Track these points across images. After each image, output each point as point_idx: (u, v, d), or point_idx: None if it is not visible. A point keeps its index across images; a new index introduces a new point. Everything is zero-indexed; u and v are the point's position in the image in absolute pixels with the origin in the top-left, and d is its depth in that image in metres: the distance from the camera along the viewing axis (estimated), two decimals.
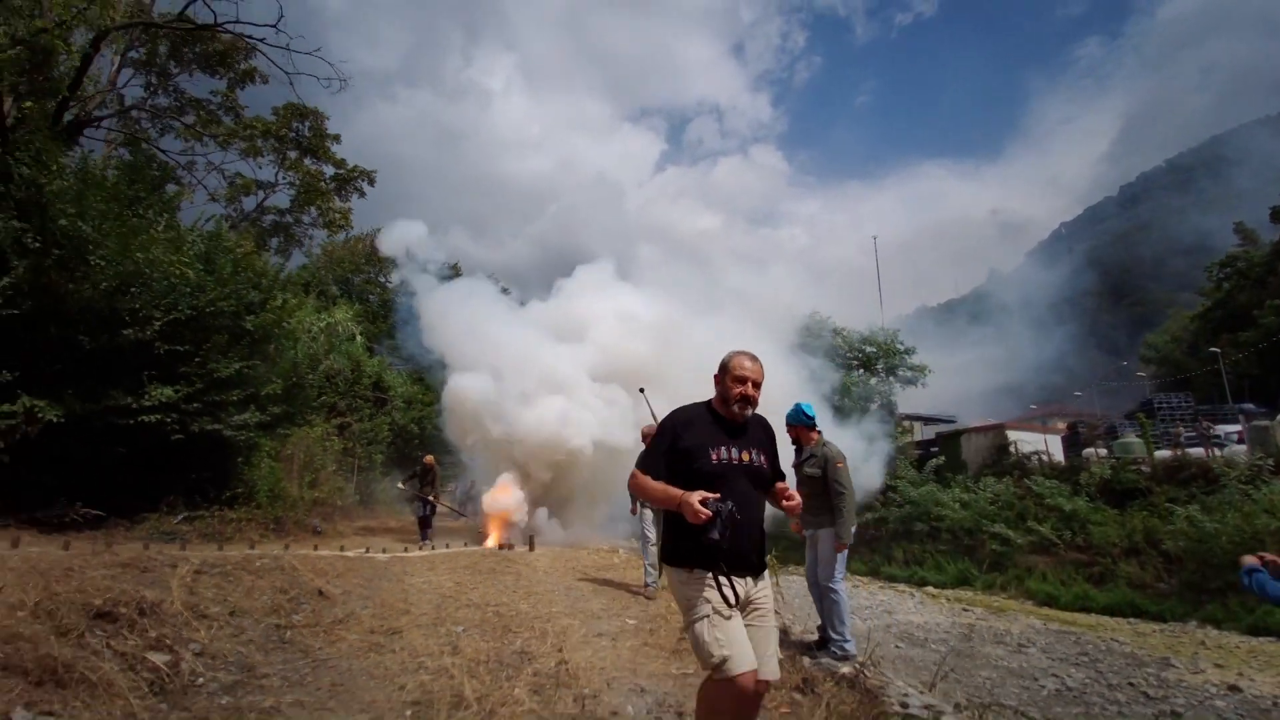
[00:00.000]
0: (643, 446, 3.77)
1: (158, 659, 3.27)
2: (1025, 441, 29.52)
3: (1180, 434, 24.42)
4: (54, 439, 7.96)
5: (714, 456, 2.34)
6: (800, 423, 5.02)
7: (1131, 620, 11.17)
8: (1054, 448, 29.98)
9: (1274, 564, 3.34)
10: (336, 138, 13.44)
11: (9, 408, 7.22)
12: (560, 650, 4.37)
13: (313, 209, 13.55)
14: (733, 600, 2.17)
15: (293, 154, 13.24)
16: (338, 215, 13.48)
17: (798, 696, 3.59)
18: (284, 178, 13.55)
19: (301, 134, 13.26)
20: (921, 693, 3.87)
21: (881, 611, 10.63)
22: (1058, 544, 19.86)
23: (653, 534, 6.72)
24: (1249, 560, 3.59)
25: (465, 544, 11.81)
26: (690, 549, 2.23)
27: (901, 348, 29.29)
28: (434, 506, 12.27)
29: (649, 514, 6.83)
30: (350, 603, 5.71)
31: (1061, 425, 36.45)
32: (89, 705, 2.75)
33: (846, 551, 4.71)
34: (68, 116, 9.08)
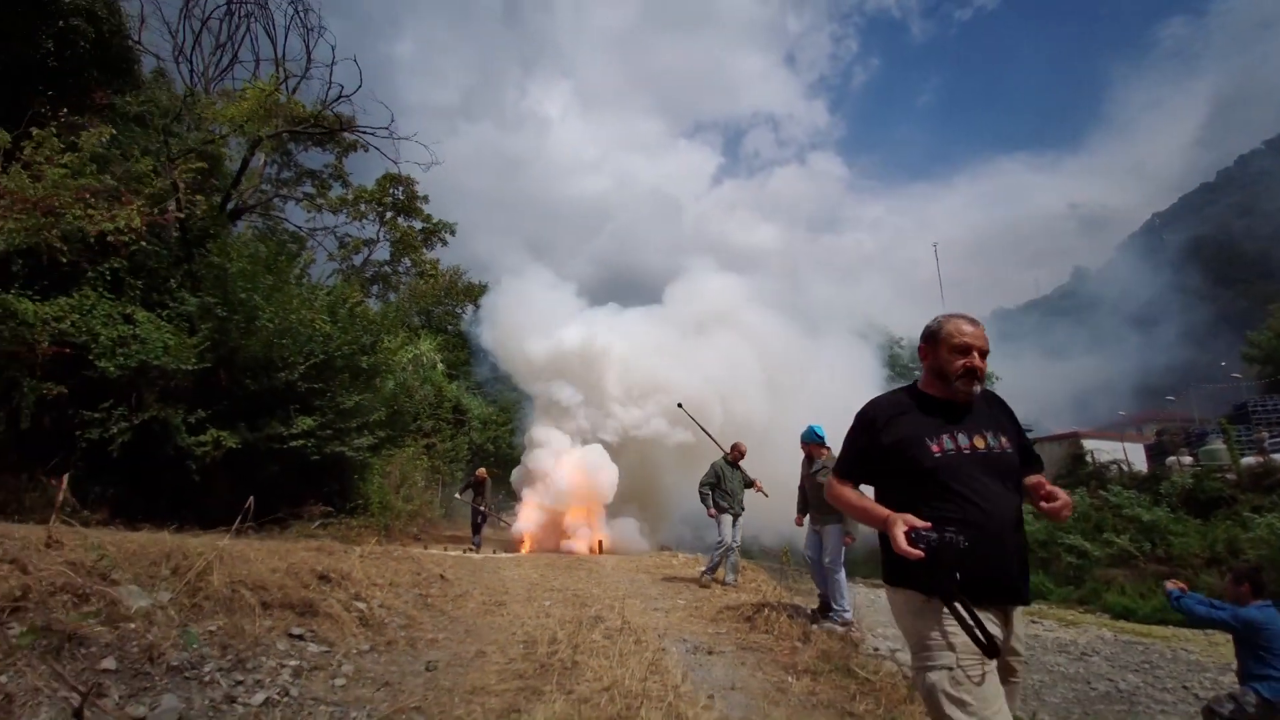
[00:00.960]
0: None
1: (359, 605, 4.97)
2: (1103, 450, 28.59)
3: (1265, 439, 23.23)
4: (231, 462, 10.22)
5: (934, 448, 1.85)
6: (812, 440, 6.18)
7: (1208, 631, 11.27)
8: (1136, 456, 28.83)
9: (1187, 587, 4.44)
10: (425, 199, 15.90)
11: (202, 439, 9.46)
12: (623, 616, 5.81)
13: (406, 260, 15.91)
14: (986, 644, 1.64)
15: (389, 214, 15.72)
16: (428, 266, 15.72)
17: (799, 645, 4.88)
18: (383, 234, 16.06)
19: (397, 197, 15.74)
20: (895, 649, 5.07)
21: None
22: (1137, 556, 19.49)
23: (728, 536, 7.51)
24: (1172, 585, 4.56)
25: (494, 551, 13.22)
26: (919, 565, 1.67)
27: None
28: (485, 515, 13.36)
29: (727, 519, 7.57)
30: (464, 584, 7.42)
31: (1149, 433, 34.70)
32: (329, 629, 4.42)
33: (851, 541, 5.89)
34: (230, 205, 11.52)
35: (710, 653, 4.77)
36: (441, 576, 7.35)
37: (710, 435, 10.11)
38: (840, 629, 5.28)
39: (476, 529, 13.10)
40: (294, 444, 10.90)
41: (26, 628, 2.61)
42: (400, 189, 15.54)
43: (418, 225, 16.27)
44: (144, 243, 8.39)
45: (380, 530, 13.02)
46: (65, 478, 4.84)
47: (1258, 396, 32.66)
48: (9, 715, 2.29)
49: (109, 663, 2.88)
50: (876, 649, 4.68)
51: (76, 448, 8.12)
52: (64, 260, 7.69)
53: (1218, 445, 23.18)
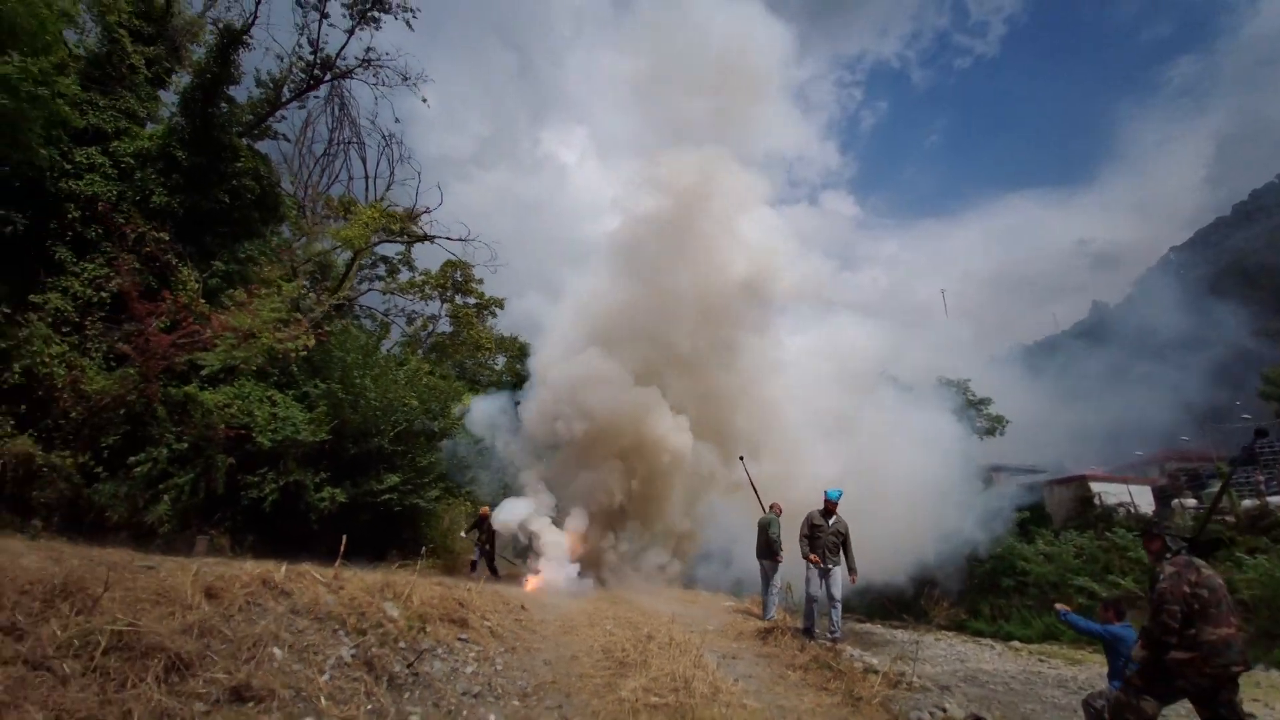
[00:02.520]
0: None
1: (486, 623, 7.11)
2: (1110, 493, 29.54)
3: (1260, 482, 24.39)
4: (337, 513, 12.53)
5: None
6: (835, 500, 8.04)
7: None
8: (1144, 498, 29.77)
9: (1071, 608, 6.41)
10: (480, 280, 18.64)
11: (322, 495, 11.79)
12: (670, 636, 7.84)
13: (464, 333, 18.47)
14: None
15: (450, 293, 18.41)
16: (484, 339, 18.21)
17: (797, 653, 6.89)
18: (444, 310, 18.71)
19: (455, 279, 18.44)
20: (863, 653, 7.06)
21: (955, 660, 10.79)
22: (1141, 596, 20.81)
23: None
24: (1059, 606, 6.52)
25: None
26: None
27: (974, 398, 30.03)
28: (490, 554, 13.47)
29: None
30: (540, 613, 9.50)
31: (1170, 472, 35.34)
32: (476, 637, 6.54)
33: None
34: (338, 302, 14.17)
35: (734, 658, 6.82)
36: (522, 606, 9.44)
37: (756, 492, 11.15)
38: (828, 643, 7.27)
39: (474, 566, 13.31)
40: (383, 497, 13.25)
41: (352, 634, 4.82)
42: (458, 272, 18.26)
43: (472, 301, 18.97)
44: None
45: (445, 569, 15.21)
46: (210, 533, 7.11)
47: (1263, 439, 33.54)
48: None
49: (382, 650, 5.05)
50: (851, 655, 6.63)
51: (239, 505, 10.50)
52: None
53: (1217, 488, 24.33)
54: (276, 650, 3.75)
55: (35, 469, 8.44)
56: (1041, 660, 16.34)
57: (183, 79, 12.07)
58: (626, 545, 14.72)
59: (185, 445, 9.32)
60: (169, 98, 12.16)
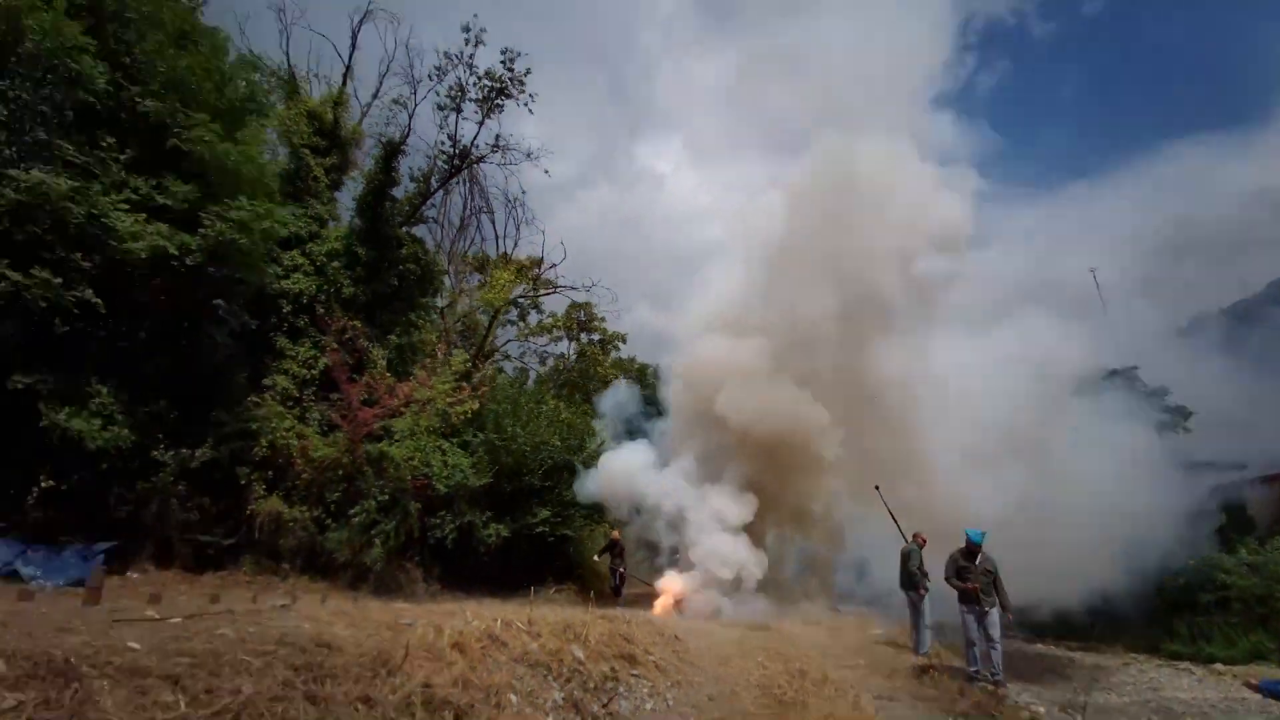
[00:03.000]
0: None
1: (650, 657, 7.90)
2: None
3: None
4: (502, 546, 14.10)
5: None
6: (976, 542, 7.97)
7: None
8: None
9: None
10: (603, 319, 20.08)
11: (489, 531, 13.38)
12: (824, 674, 8.19)
13: (591, 369, 19.90)
14: None
15: (576, 332, 19.97)
16: (612, 374, 19.48)
17: (958, 697, 6.99)
18: (571, 348, 20.27)
19: (580, 319, 19.96)
20: (1032, 702, 6.99)
21: (1145, 688, 9.73)
22: None
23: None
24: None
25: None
26: None
27: (1148, 388, 26.47)
28: (623, 575, 13.33)
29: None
30: (693, 644, 10.18)
31: None
32: (644, 672, 7.34)
33: None
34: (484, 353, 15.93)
35: (891, 699, 7.07)
36: (676, 637, 10.19)
37: (896, 521, 11.01)
38: (990, 686, 7.29)
39: (616, 590, 13.21)
40: (538, 529, 14.64)
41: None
42: (582, 312, 19.75)
43: (597, 338, 20.40)
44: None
45: (589, 594, 16.40)
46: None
47: None
48: None
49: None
50: (1017, 701, 6.61)
51: (427, 543, 12.23)
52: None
53: None
54: (512, 696, 4.71)
55: (282, 522, 10.49)
56: (1249, 685, 14.47)
57: (351, 178, 14.36)
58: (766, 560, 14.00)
59: (386, 496, 11.09)
60: (342, 197, 14.48)
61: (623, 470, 14.44)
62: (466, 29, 12.81)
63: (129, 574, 9.15)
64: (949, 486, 13.09)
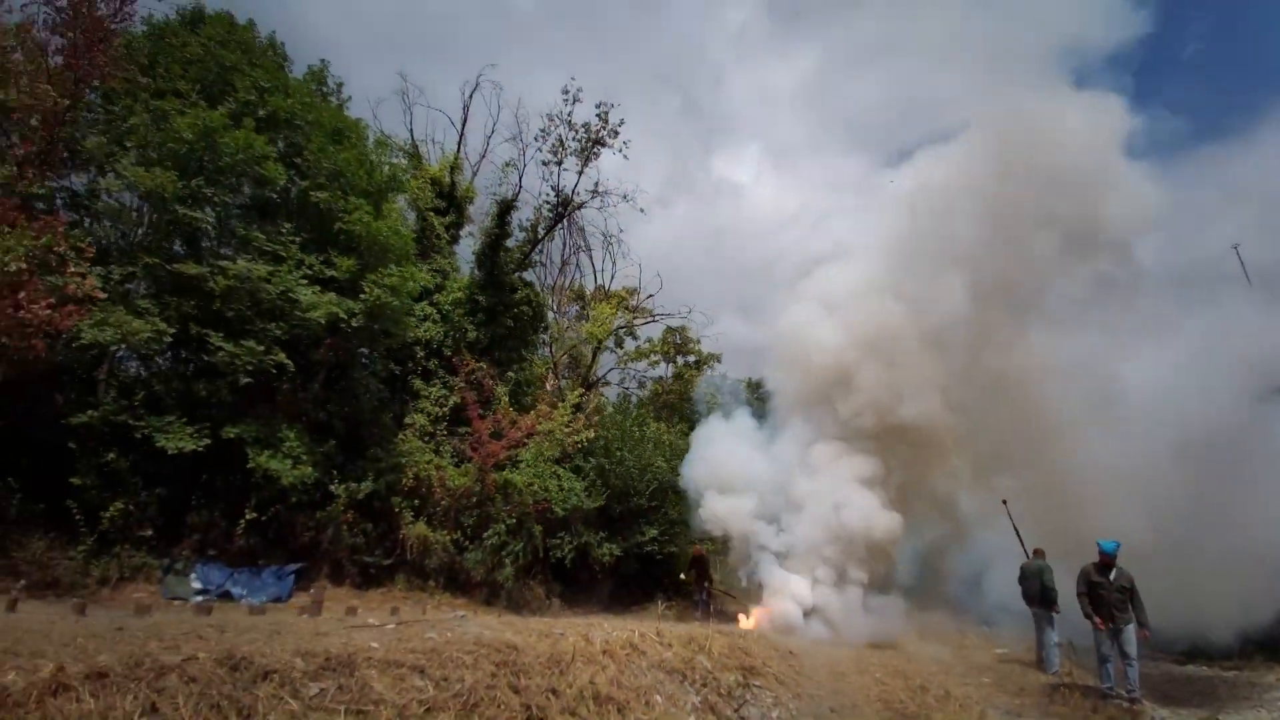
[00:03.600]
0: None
1: (769, 670, 8.33)
2: None
3: None
4: (614, 564, 14.98)
5: None
6: (1110, 554, 7.65)
7: None
8: None
9: None
10: (698, 340, 20.85)
11: (603, 550, 14.30)
12: (946, 690, 8.26)
13: (689, 390, 20.65)
14: None
15: (672, 354, 20.84)
16: (710, 397, 20.17)
17: (1091, 715, 6.91)
18: (669, 371, 21.16)
19: (675, 341, 20.81)
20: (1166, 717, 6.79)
21: None
22: None
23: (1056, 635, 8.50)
24: None
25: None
26: None
27: None
28: (710, 593, 13.12)
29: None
30: (808, 660, 10.46)
31: None
32: (764, 683, 7.80)
33: None
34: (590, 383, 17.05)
35: (1019, 716, 7.10)
36: (790, 652, 10.51)
37: (1020, 537, 10.71)
38: (1125, 703, 7.13)
39: (701, 605, 12.96)
40: (646, 548, 15.39)
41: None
42: (677, 336, 20.59)
43: (692, 360, 21.16)
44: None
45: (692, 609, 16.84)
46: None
47: None
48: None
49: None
50: (1153, 718, 6.46)
51: (548, 562, 13.30)
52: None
53: None
54: (658, 697, 5.38)
55: (428, 545, 11.87)
56: None
57: (468, 233, 16.06)
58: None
59: (514, 520, 12.25)
60: (458, 248, 16.18)
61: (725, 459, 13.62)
62: (565, 90, 14.24)
63: (311, 591, 10.77)
64: (1103, 497, 11.71)
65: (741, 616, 12.29)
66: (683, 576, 13.90)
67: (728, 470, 13.39)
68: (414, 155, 16.63)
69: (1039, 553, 9.97)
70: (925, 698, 7.77)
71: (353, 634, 4.77)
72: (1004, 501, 11.40)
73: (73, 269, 7.25)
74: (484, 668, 4.23)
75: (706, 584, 13.07)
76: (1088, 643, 8.44)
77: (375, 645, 4.44)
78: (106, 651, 3.27)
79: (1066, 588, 8.65)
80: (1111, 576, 7.56)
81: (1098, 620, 7.44)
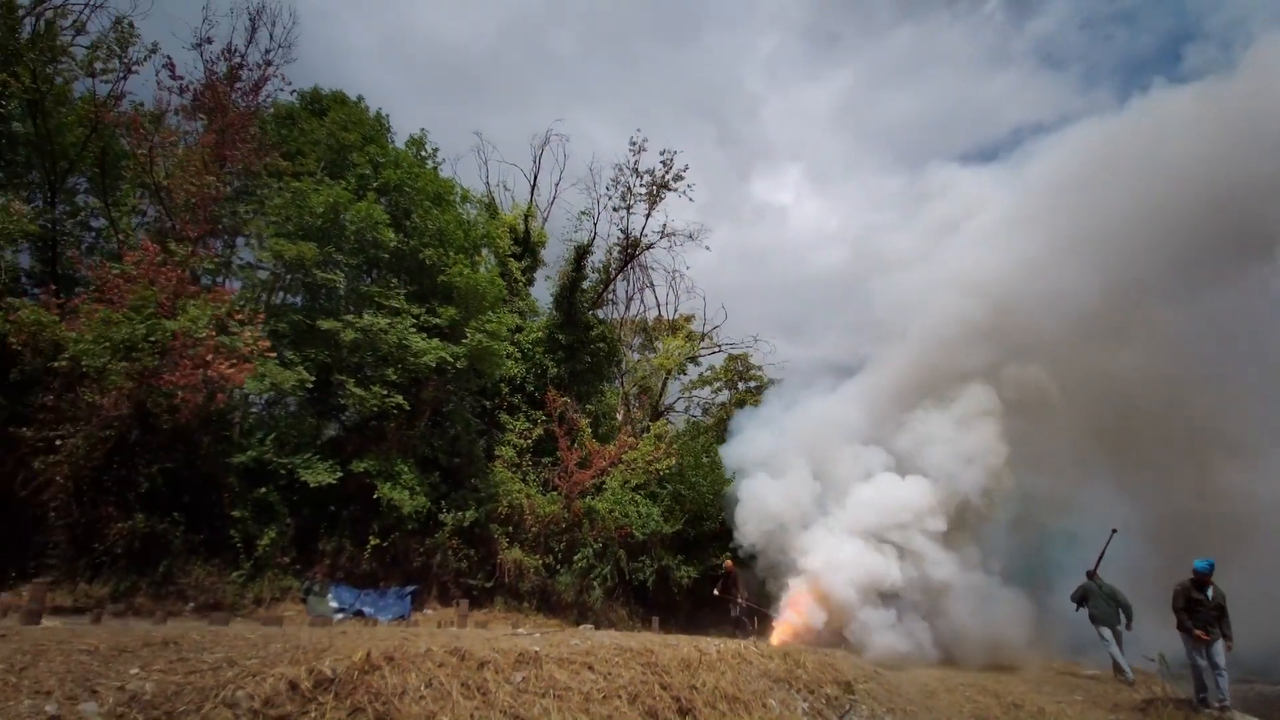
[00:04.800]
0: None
1: (862, 686, 8.74)
2: None
3: None
4: (691, 585, 15.54)
5: None
6: (1205, 572, 7.88)
7: None
8: None
9: None
10: (760, 367, 21.53)
11: (681, 573, 14.91)
12: (1040, 707, 8.48)
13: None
14: None
15: (735, 380, 21.58)
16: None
17: None
18: (732, 398, 21.88)
19: (737, 369, 21.51)
20: None
21: None
22: None
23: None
24: None
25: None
26: None
27: None
28: (741, 608, 12.95)
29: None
30: (895, 677, 10.74)
31: None
32: (859, 694, 8.23)
33: None
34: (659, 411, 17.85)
35: None
36: (876, 671, 10.81)
37: (1100, 559, 10.74)
38: (1216, 711, 7.28)
39: (738, 624, 12.77)
40: (720, 571, 15.88)
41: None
42: (739, 363, 21.30)
43: (754, 385, 21.80)
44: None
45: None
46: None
47: None
48: None
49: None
50: None
51: (630, 585, 14.00)
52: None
53: None
54: (772, 702, 5.99)
55: (522, 569, 12.76)
56: None
57: (546, 276, 17.29)
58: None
59: (600, 544, 13.05)
60: (533, 289, 17.40)
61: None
62: (632, 142, 15.47)
63: (425, 611, 11.79)
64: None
65: (780, 626, 11.96)
66: (715, 593, 13.58)
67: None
68: (490, 205, 18.06)
69: (1095, 575, 10.19)
70: (1019, 714, 8.04)
71: (513, 639, 5.59)
72: (1114, 530, 11.02)
73: (248, 333, 8.57)
74: (633, 667, 4.96)
75: (740, 599, 12.91)
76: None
77: (537, 648, 5.26)
78: (358, 649, 4.17)
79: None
80: (1209, 594, 7.80)
81: (1199, 633, 7.63)
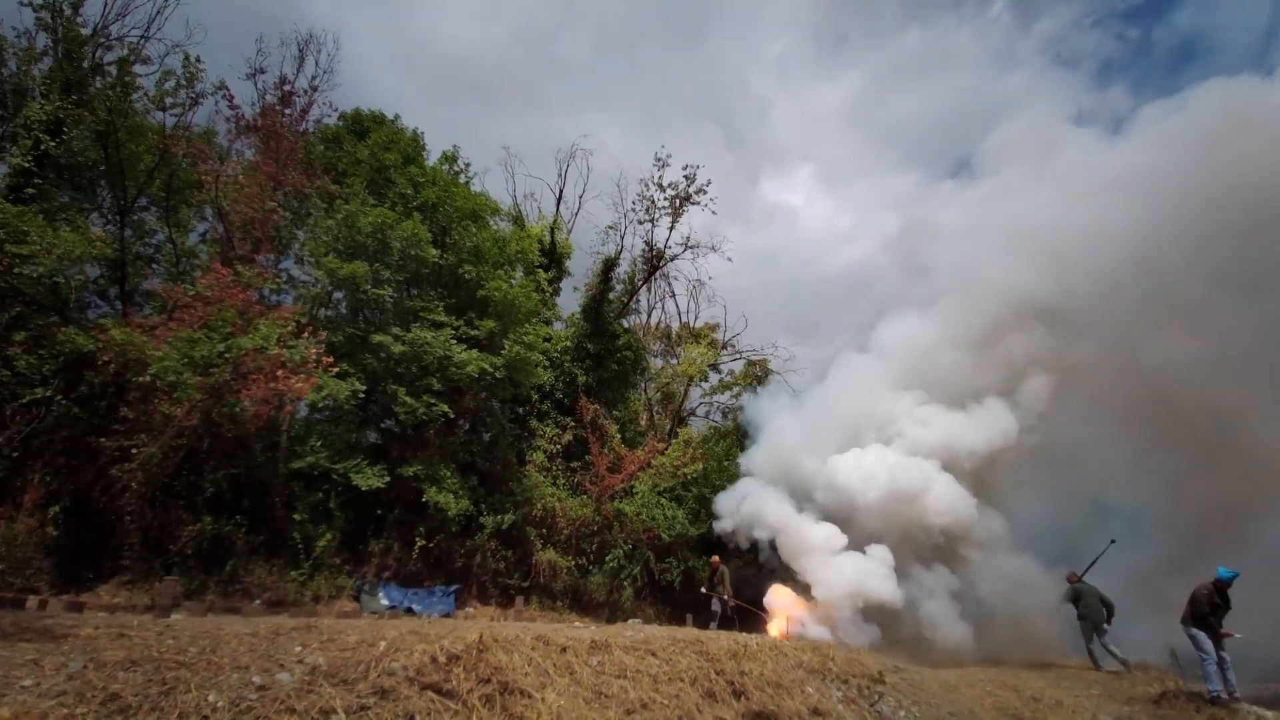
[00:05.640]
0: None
1: (887, 676, 9.23)
2: None
3: None
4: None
5: None
6: (1228, 580, 8.39)
7: None
8: None
9: None
10: (779, 374, 22.16)
11: (707, 573, 15.44)
12: (1058, 700, 8.94)
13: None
14: None
15: (754, 387, 22.21)
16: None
17: (1195, 714, 7.52)
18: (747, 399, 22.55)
19: (757, 374, 22.09)
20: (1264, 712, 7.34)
21: None
22: None
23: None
24: None
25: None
26: None
27: None
28: (727, 604, 13.10)
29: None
30: (917, 673, 11.20)
31: None
32: (887, 687, 8.72)
33: None
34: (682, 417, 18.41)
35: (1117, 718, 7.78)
36: (897, 667, 11.28)
37: (1090, 566, 11.57)
38: (1226, 699, 7.74)
39: (719, 618, 12.89)
40: (745, 572, 16.39)
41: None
42: (758, 368, 21.82)
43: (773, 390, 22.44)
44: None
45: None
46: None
47: None
48: None
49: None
50: (1250, 710, 7.07)
51: (658, 585, 14.55)
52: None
53: None
54: (810, 689, 6.51)
55: (556, 569, 13.35)
56: None
57: (573, 287, 17.91)
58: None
59: (630, 546, 13.61)
60: (559, 299, 18.01)
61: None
62: (657, 157, 16.11)
63: (466, 609, 12.40)
64: None
65: (771, 623, 12.25)
66: (704, 591, 13.63)
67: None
68: (518, 218, 18.71)
69: (1081, 579, 11.19)
70: (1039, 706, 8.51)
71: (568, 630, 6.17)
72: (1112, 541, 11.46)
73: (313, 349, 9.24)
74: (689, 655, 5.50)
75: (725, 597, 13.08)
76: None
77: (606, 637, 5.83)
78: (449, 636, 4.75)
79: None
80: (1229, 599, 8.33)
81: (1225, 632, 8.17)
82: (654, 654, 5.27)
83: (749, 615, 12.97)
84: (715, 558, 13.73)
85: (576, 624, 7.23)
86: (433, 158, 14.55)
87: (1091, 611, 10.87)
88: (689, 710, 4.38)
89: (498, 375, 12.10)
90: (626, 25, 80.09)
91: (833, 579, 11.73)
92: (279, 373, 8.66)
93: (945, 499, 12.22)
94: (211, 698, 2.63)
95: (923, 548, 12.65)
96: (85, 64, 11.47)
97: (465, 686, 3.29)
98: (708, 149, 61.42)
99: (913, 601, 12.11)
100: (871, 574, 11.83)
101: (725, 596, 12.99)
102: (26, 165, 10.58)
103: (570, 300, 18.56)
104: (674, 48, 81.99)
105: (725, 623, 12.56)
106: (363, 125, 13.28)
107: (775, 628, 11.97)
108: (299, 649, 3.43)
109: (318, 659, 3.23)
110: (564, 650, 4.66)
